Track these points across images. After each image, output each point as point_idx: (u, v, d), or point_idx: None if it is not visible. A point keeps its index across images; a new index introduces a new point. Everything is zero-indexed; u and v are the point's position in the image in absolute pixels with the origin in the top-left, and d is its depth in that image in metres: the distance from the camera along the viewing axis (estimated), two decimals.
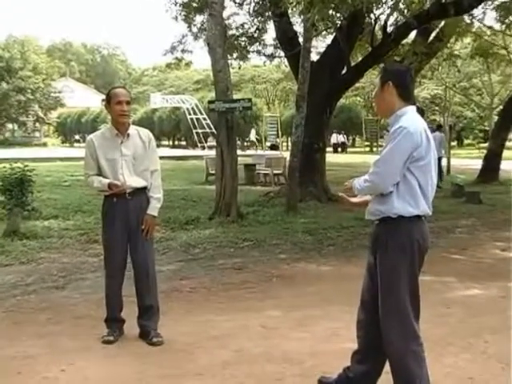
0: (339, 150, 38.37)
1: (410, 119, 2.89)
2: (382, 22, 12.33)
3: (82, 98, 62.05)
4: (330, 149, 26.68)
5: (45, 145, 50.80)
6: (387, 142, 2.92)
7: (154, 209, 4.12)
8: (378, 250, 2.97)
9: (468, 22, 14.19)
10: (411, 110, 2.97)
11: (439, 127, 17.98)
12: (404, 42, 13.74)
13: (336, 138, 38.79)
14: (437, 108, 42.09)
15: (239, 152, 13.99)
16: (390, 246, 2.91)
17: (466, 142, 49.10)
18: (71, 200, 11.38)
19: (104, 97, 4.31)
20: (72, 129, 57.49)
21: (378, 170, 2.89)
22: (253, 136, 39.52)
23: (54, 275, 6.00)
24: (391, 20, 12.24)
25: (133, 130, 4.13)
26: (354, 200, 3.22)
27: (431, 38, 14.68)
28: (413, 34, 14.36)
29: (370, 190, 2.96)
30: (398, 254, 2.88)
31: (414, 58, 12.72)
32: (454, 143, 42.64)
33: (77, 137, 58.82)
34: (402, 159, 2.84)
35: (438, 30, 14.59)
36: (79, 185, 14.36)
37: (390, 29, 11.99)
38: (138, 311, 4.22)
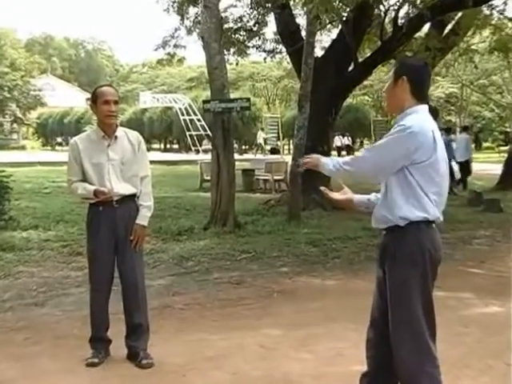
0: (343, 153, 38.36)
1: (417, 118, 2.90)
2: (393, 14, 12.40)
3: (65, 97, 62.12)
4: (333, 152, 26.69)
5: (23, 148, 50.86)
6: (388, 134, 2.94)
7: (143, 218, 4.13)
8: (386, 262, 2.98)
9: (487, 13, 14.25)
10: (422, 109, 2.98)
11: (466, 128, 18.20)
12: (417, 35, 13.81)
13: (340, 140, 38.86)
14: (452, 108, 42.22)
15: (237, 156, 14.04)
16: (398, 257, 2.91)
17: (484, 144, 49.16)
18: (52, 208, 11.38)
19: (89, 96, 4.33)
20: (53, 130, 57.51)
21: (365, 156, 2.93)
22: (260, 138, 39.40)
23: (34, 291, 5.99)
24: (402, 12, 12.31)
25: (121, 132, 4.15)
26: (336, 196, 3.24)
27: (446, 31, 14.76)
28: (426, 27, 14.44)
29: (349, 177, 2.97)
30: (408, 265, 2.89)
31: (427, 54, 12.77)
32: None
33: (59, 139, 58.81)
34: (394, 155, 2.85)
35: (453, 22, 14.67)
36: (61, 192, 14.38)
37: (401, 21, 12.06)
38: (126, 330, 4.22)
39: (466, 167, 16.19)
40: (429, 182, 2.90)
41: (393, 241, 2.95)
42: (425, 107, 2.99)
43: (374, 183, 3.16)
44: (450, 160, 13.62)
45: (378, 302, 3.09)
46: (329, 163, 2.99)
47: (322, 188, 3.22)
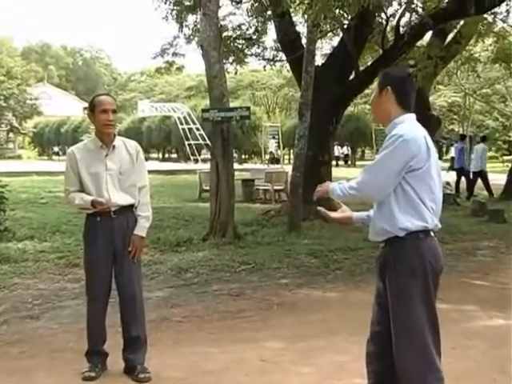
0: (340, 163, 38.40)
1: (407, 127, 2.95)
2: (394, 22, 12.46)
3: (62, 106, 62.33)
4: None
5: (19, 157, 50.92)
6: (382, 149, 2.97)
7: (141, 229, 4.14)
8: (386, 273, 2.99)
9: (490, 21, 14.32)
10: (410, 117, 3.04)
11: (484, 139, 18.44)
12: (418, 44, 13.86)
13: (338, 150, 38.91)
14: (455, 117, 42.33)
15: (236, 166, 14.05)
16: (398, 267, 2.92)
17: (488, 154, 49.23)
18: (49, 219, 11.37)
19: (86, 104, 4.34)
20: (50, 140, 57.65)
21: (368, 179, 2.95)
22: (272, 147, 39.15)
23: (29, 303, 5.98)
24: (404, 20, 12.36)
25: (119, 141, 4.16)
26: (334, 215, 3.27)
27: (448, 39, 14.83)
28: (428, 36, 14.51)
29: (356, 199, 3.04)
30: (409, 275, 2.90)
31: (429, 62, 12.82)
32: (474, 156, 42.80)
33: (55, 149, 58.92)
34: (395, 169, 2.89)
35: (456, 31, 14.74)
36: (58, 202, 14.37)
37: (402, 29, 12.11)
38: (123, 343, 4.21)
39: (479, 177, 16.35)
40: (425, 190, 2.93)
41: (392, 252, 2.97)
42: (412, 116, 3.05)
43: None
44: (462, 168, 13.57)
45: (378, 315, 3.09)
46: (336, 188, 3.04)
47: (319, 208, 3.26)
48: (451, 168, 29.23)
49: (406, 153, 2.87)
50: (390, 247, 2.98)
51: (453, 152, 33.29)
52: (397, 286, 2.93)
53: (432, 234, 2.99)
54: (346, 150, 39.89)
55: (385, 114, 3.07)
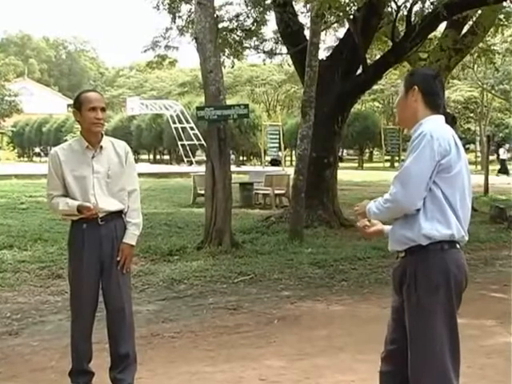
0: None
1: (433, 124, 2.94)
2: (405, 12, 12.49)
3: (44, 103, 62.43)
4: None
5: None
6: (408, 152, 2.95)
7: (131, 236, 4.14)
8: (405, 287, 2.95)
9: (510, 10, 14.36)
10: (437, 117, 3.02)
11: None
12: (432, 35, 13.90)
13: None
14: (471, 115, 42.38)
15: (233, 168, 14.07)
16: (420, 281, 2.89)
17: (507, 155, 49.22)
18: (29, 226, 11.37)
19: (70, 101, 4.35)
20: (31, 140, 57.73)
21: (401, 187, 2.88)
22: (274, 152, 38.71)
23: (7, 318, 5.97)
24: (416, 9, 12.38)
25: (107, 141, 4.16)
26: (370, 231, 3.24)
27: (464, 30, 14.86)
28: (442, 27, 14.54)
29: (393, 212, 2.96)
30: (431, 291, 2.87)
31: (442, 54, 12.85)
32: (492, 157, 42.85)
33: (37, 149, 59.00)
34: (428, 170, 2.85)
35: (472, 21, 14.77)
36: (39, 208, 14.39)
37: (414, 20, 12.14)
38: (111, 361, 4.20)
39: None
40: (456, 195, 2.90)
41: (413, 263, 2.93)
42: (440, 117, 3.03)
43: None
44: None
45: (394, 333, 3.07)
46: (372, 207, 3.03)
47: (358, 225, 3.25)
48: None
49: (436, 150, 2.84)
50: (410, 257, 2.95)
51: (502, 153, 33.37)
52: (417, 301, 2.90)
53: (458, 245, 2.97)
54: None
55: (411, 116, 3.05)
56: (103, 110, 4.07)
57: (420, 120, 3.01)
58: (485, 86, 32.97)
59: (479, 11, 14.22)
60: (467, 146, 54.28)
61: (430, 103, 3.03)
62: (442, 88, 3.12)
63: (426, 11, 12.15)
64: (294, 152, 38.39)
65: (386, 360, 3.13)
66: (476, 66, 21.91)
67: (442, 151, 2.85)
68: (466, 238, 2.99)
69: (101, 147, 4.10)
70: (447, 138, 2.89)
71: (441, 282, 2.87)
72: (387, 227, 3.22)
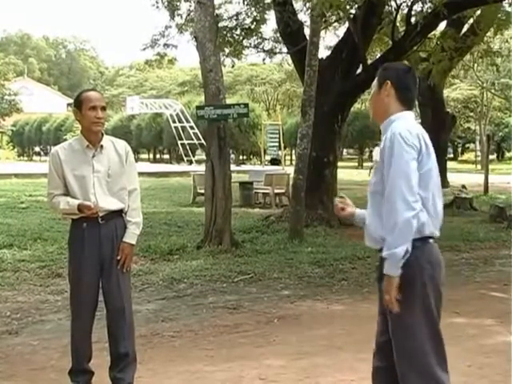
0: None
1: (402, 124, 2.95)
2: (405, 11, 12.49)
3: (43, 102, 62.37)
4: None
5: None
6: (382, 156, 2.94)
7: (131, 236, 4.14)
8: (382, 284, 2.98)
9: (509, 10, 14.36)
10: (407, 115, 3.05)
11: None
12: (431, 34, 13.90)
13: None
14: (471, 114, 42.37)
15: (233, 167, 14.07)
16: None
17: (507, 154, 49.31)
18: (29, 225, 11.38)
19: (70, 100, 4.36)
20: (31, 139, 57.72)
21: (393, 207, 2.84)
22: (274, 152, 38.54)
23: (7, 317, 5.97)
24: (416, 8, 12.39)
25: (107, 141, 4.16)
26: (344, 214, 3.28)
27: (464, 30, 14.87)
28: (442, 26, 14.54)
29: (405, 236, 2.83)
30: (405, 288, 2.88)
31: (443, 55, 12.85)
32: (492, 156, 42.87)
33: (37, 149, 59.00)
34: (414, 173, 2.86)
35: (472, 20, 14.79)
36: (39, 207, 14.40)
37: (414, 19, 12.14)
38: (111, 360, 4.20)
39: None
40: (427, 192, 2.93)
41: None
42: (410, 114, 3.07)
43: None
44: None
45: (383, 325, 3.10)
46: (390, 264, 2.86)
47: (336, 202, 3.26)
48: None
49: (411, 149, 2.86)
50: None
51: None
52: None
53: (431, 240, 2.98)
54: None
55: (384, 111, 3.08)
56: (103, 109, 4.08)
57: (391, 115, 3.04)
58: (485, 84, 32.94)
59: (479, 10, 14.24)
60: (467, 146, 54.38)
61: (402, 98, 3.05)
62: (415, 82, 3.13)
63: (426, 11, 12.16)
64: (293, 151, 38.36)
65: (378, 354, 3.16)
66: (476, 64, 21.90)
67: (416, 148, 2.88)
68: (437, 234, 3.00)
69: (101, 146, 4.11)
70: (416, 136, 2.91)
71: (415, 278, 2.89)
72: (358, 211, 3.27)
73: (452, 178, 21.96)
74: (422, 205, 2.90)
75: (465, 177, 24.43)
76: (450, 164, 25.69)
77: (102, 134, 4.14)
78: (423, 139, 2.94)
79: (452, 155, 48.14)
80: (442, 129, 20.60)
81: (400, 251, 2.81)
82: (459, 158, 50.90)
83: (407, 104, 3.07)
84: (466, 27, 16.58)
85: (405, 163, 2.85)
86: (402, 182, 2.83)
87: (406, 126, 2.92)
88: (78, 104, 4.07)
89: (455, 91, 38.79)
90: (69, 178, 4.06)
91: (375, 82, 3.14)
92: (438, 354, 2.93)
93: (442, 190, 3.07)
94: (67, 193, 4.09)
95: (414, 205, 2.83)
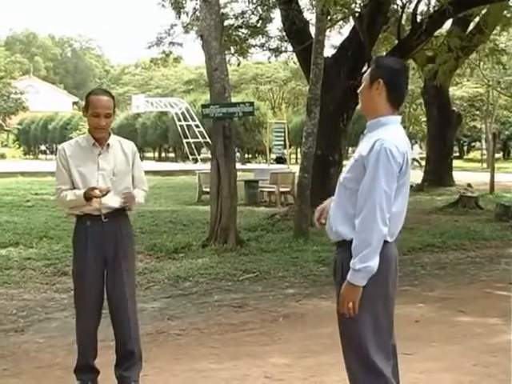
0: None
1: (392, 137, 2.93)
2: (411, 10, 12.47)
3: (49, 101, 62.49)
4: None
5: (3, 157, 50.96)
6: (363, 160, 2.93)
7: (139, 192, 4.15)
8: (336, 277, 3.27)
9: None
10: (396, 120, 3.05)
11: None
12: (437, 33, 13.87)
13: None
14: (477, 112, 42.23)
15: (238, 166, 14.07)
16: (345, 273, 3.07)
17: None
18: (35, 224, 11.40)
19: (76, 99, 4.36)
20: (37, 137, 57.84)
21: (372, 223, 2.86)
22: (278, 150, 38.47)
23: (13, 315, 5.99)
24: (422, 7, 12.38)
25: (114, 140, 4.16)
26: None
27: (470, 28, 14.82)
28: (447, 24, 14.51)
29: (378, 250, 2.89)
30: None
31: (449, 55, 12.82)
32: (498, 155, 42.74)
33: (42, 147, 59.12)
34: (393, 191, 2.89)
35: (478, 18, 14.74)
36: (45, 205, 14.43)
37: (420, 17, 12.12)
38: (116, 359, 4.21)
39: None
40: (395, 206, 2.95)
41: (342, 255, 3.07)
42: (398, 119, 3.06)
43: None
44: None
45: None
46: (355, 277, 2.94)
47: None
48: None
49: (395, 166, 2.87)
50: (341, 249, 3.09)
51: None
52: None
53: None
54: None
55: (373, 109, 3.06)
56: (108, 116, 4.02)
57: (380, 115, 3.01)
58: (490, 82, 32.81)
59: (485, 8, 14.20)
60: (473, 144, 54.22)
61: (393, 99, 3.03)
62: (407, 82, 3.11)
63: (432, 9, 12.14)
64: (299, 150, 38.35)
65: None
66: (482, 63, 21.81)
67: (397, 165, 2.89)
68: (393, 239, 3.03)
69: (108, 145, 4.11)
70: (402, 154, 2.91)
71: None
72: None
73: (458, 176, 21.90)
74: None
75: (470, 175, 24.35)
76: (455, 162, 25.58)
77: (109, 133, 4.14)
78: (406, 157, 2.94)
79: (458, 154, 48.01)
80: (448, 127, 20.56)
81: (374, 265, 2.87)
82: (465, 157, 50.76)
83: (397, 105, 3.05)
84: (471, 25, 16.55)
85: (388, 181, 2.87)
86: (383, 200, 2.86)
87: (394, 142, 2.90)
88: (86, 105, 4.07)
89: (461, 89, 38.64)
90: (74, 173, 4.06)
91: (366, 76, 3.09)
92: (382, 350, 3.04)
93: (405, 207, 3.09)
94: (74, 188, 4.08)
95: (387, 221, 2.89)
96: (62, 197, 4.08)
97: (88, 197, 3.95)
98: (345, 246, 2.99)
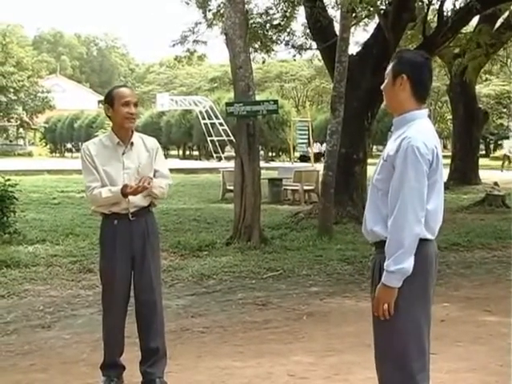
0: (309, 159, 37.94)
1: (420, 134, 2.87)
2: (437, 6, 12.36)
3: (75, 99, 63.07)
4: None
5: (30, 155, 51.66)
6: (392, 160, 2.88)
7: (160, 181, 4.13)
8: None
9: None
10: (423, 115, 2.98)
11: None
12: (464, 30, 13.73)
13: (317, 147, 38.91)
14: (504, 110, 41.73)
15: (262, 164, 14.07)
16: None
17: None
18: (61, 221, 11.52)
19: (101, 97, 4.38)
20: (63, 136, 58.32)
21: (405, 222, 2.80)
22: (303, 148, 38.23)
23: (40, 311, 6.06)
24: (448, 3, 12.27)
25: (137, 138, 4.17)
26: None
27: (497, 24, 14.66)
28: (474, 22, 14.36)
29: (412, 250, 2.82)
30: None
31: (479, 51, 12.67)
32: None
33: (68, 145, 59.61)
34: (425, 188, 2.82)
35: (506, 14, 14.57)
36: (71, 203, 14.58)
37: (446, 14, 12.00)
38: (141, 355, 4.24)
39: None
40: (428, 204, 2.88)
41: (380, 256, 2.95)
42: (424, 113, 2.99)
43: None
44: None
45: None
46: (390, 277, 2.85)
47: None
48: None
49: (424, 164, 2.82)
50: (379, 250, 2.97)
51: None
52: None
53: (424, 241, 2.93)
54: (318, 147, 39.49)
55: (397, 105, 3.00)
56: (136, 105, 4.10)
57: (406, 111, 2.96)
58: None
59: None
60: (499, 142, 53.54)
61: (418, 93, 2.96)
62: (431, 75, 3.03)
63: (458, 5, 12.02)
64: (323, 148, 38.13)
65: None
66: (510, 60, 21.54)
67: (426, 162, 2.83)
68: (433, 237, 2.96)
69: (131, 143, 4.13)
70: (431, 150, 2.85)
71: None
72: None
73: (484, 174, 21.66)
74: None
75: (497, 174, 24.10)
76: (481, 161, 25.30)
77: (132, 131, 4.16)
78: (436, 152, 2.88)
79: (484, 152, 47.47)
80: (474, 125, 20.33)
81: (409, 266, 2.80)
82: (491, 155, 50.15)
83: (422, 99, 2.98)
84: (499, 22, 16.35)
85: (418, 179, 2.82)
86: (415, 198, 2.81)
87: (422, 138, 2.85)
88: (110, 100, 4.07)
89: (487, 87, 38.20)
90: (100, 172, 4.08)
91: (389, 71, 3.04)
92: (420, 352, 2.92)
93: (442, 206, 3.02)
94: (103, 186, 4.08)
95: (422, 219, 2.83)
96: (95, 194, 4.05)
97: (125, 193, 3.97)
98: (382, 246, 2.91)
